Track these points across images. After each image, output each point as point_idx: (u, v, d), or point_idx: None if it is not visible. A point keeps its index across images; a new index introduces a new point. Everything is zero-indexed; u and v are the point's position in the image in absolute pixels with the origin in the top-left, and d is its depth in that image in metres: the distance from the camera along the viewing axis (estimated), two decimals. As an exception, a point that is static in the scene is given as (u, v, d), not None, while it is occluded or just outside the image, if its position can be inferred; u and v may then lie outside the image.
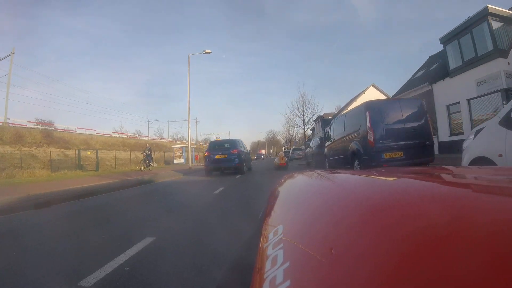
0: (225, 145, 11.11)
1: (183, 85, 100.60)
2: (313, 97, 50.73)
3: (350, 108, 13.42)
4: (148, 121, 48.66)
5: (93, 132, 28.06)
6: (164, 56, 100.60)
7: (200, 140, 57.33)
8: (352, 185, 0.57)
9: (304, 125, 25.60)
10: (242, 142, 12.14)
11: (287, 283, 0.24)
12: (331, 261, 0.25)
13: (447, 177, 0.64)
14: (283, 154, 14.26)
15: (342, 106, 27.57)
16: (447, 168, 0.73)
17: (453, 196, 0.40)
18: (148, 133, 46.17)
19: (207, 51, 18.54)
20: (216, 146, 11.23)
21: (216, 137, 44.44)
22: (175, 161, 28.46)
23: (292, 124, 30.69)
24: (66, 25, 64.30)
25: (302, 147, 25.66)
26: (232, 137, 43.88)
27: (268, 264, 0.29)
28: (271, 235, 0.36)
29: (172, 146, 32.65)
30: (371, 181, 0.59)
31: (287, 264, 0.27)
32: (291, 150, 30.53)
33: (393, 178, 0.63)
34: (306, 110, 24.77)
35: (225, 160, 10.23)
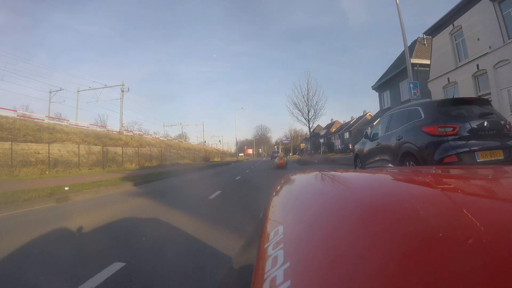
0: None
1: (173, 84, 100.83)
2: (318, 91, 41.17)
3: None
4: (50, 92, 30.13)
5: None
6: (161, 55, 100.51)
7: (173, 136, 51.18)
8: (353, 184, 0.56)
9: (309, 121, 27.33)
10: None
11: (287, 283, 0.23)
12: (331, 262, 0.25)
13: (450, 176, 0.64)
14: (283, 154, 15.98)
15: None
16: (452, 168, 0.73)
17: (457, 197, 0.40)
18: (49, 112, 29.75)
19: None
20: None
21: (185, 125, 61.07)
22: None
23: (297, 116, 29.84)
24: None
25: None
26: (206, 129, 75.12)
27: (268, 265, 0.29)
28: (271, 235, 0.36)
29: None
30: (372, 181, 0.59)
31: (288, 264, 0.26)
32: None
33: (395, 178, 0.63)
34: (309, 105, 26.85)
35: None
